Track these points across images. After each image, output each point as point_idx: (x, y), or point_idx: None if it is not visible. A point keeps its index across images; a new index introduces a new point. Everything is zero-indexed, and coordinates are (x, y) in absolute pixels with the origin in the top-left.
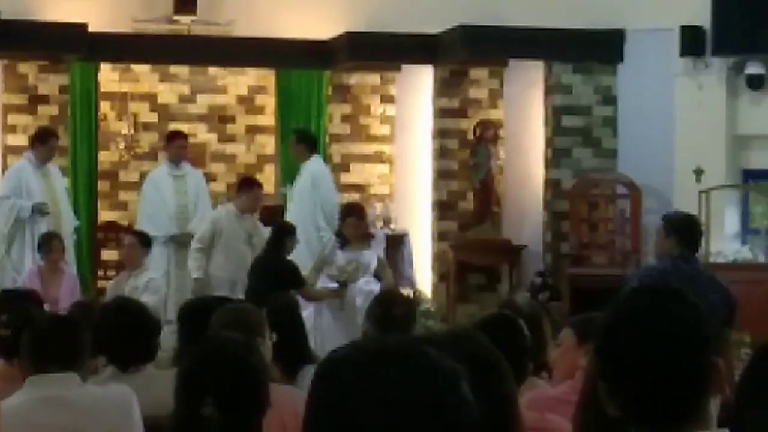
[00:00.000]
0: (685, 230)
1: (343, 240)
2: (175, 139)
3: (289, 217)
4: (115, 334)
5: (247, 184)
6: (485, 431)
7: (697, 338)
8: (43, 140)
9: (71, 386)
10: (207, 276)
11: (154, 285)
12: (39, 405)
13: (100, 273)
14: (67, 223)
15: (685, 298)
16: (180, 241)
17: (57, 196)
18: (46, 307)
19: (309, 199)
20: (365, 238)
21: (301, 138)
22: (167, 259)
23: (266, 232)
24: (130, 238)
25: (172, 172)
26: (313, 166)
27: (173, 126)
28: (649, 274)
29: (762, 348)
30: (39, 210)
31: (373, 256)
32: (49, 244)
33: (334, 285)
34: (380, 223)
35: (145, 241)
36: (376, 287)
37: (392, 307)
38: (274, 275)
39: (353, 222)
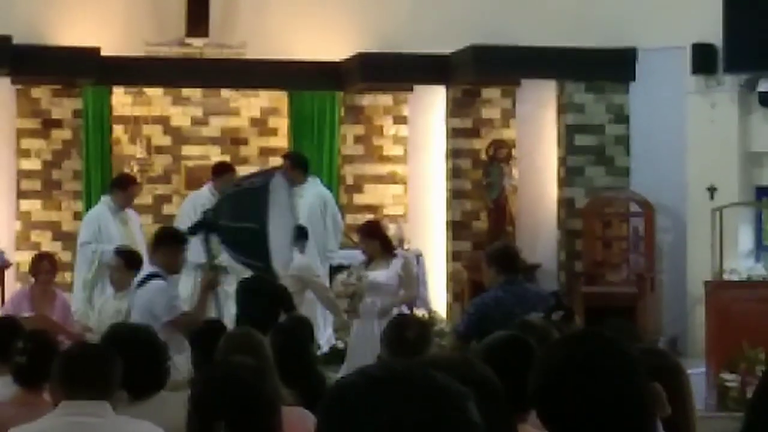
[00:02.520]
0: (502, 258)
1: (369, 260)
2: (227, 172)
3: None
4: (126, 363)
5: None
6: None
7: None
8: (122, 186)
9: (104, 414)
10: None
11: None
12: (71, 429)
13: None
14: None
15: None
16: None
17: (136, 241)
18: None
19: (320, 222)
20: (385, 256)
21: (297, 162)
22: (193, 284)
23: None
24: (116, 259)
25: (215, 200)
26: (319, 188)
27: (186, 149)
28: (487, 303)
29: None
30: None
31: (390, 276)
32: (38, 265)
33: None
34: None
35: (131, 262)
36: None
37: (404, 330)
38: (270, 297)
39: (359, 240)
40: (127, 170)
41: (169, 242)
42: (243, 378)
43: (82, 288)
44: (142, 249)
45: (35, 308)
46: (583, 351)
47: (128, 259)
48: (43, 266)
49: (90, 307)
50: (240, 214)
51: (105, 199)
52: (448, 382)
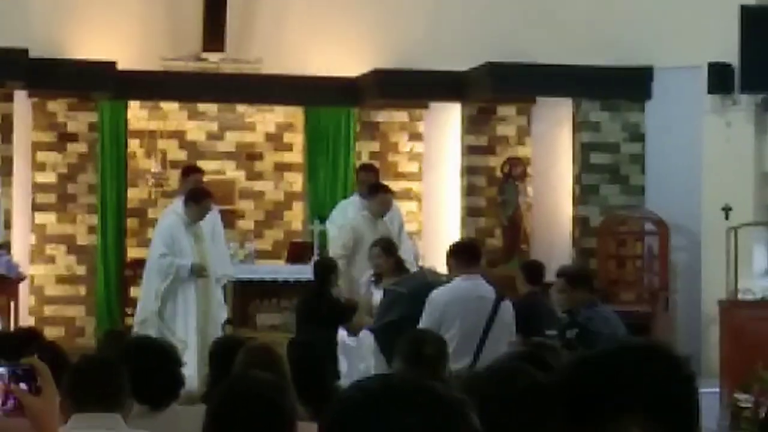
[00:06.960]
0: (590, 280)
1: (378, 277)
2: (190, 173)
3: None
4: (138, 372)
5: (374, 189)
6: None
7: None
8: (197, 199)
9: (115, 427)
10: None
11: None
12: None
13: (128, 310)
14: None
15: None
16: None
17: (206, 255)
18: None
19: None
20: (396, 271)
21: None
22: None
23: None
24: None
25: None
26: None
27: (202, 164)
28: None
29: None
30: (197, 272)
31: None
32: None
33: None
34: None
35: None
36: None
37: (423, 347)
38: (327, 312)
39: (376, 252)
40: (142, 185)
41: None
42: (264, 393)
43: (154, 298)
44: (212, 262)
45: None
46: None
47: None
48: None
49: (160, 320)
50: None
51: (177, 210)
52: (447, 392)
